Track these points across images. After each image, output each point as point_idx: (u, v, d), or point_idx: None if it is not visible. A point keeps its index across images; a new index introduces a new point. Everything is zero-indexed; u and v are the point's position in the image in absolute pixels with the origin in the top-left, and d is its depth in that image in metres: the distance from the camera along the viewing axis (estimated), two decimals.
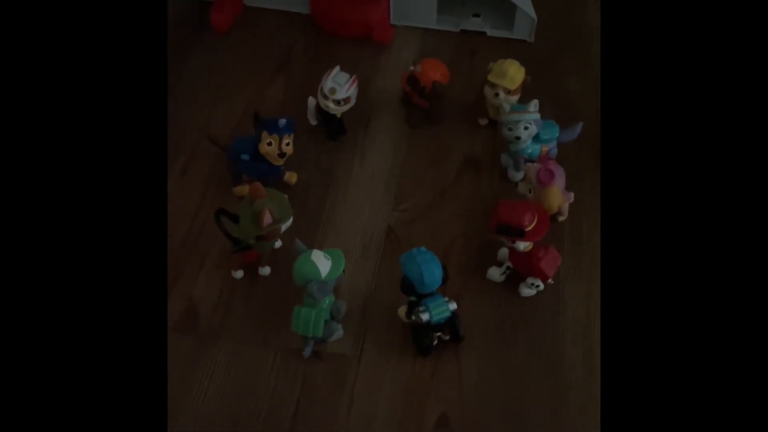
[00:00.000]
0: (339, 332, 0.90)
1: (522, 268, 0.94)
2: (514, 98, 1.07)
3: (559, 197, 0.96)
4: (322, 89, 1.07)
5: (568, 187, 0.99)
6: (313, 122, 1.12)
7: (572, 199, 1.01)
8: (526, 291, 0.95)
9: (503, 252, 0.97)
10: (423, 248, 0.87)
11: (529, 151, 1.04)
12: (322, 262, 0.85)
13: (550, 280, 0.94)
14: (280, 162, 1.00)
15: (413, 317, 0.87)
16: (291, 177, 1.06)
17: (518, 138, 1.01)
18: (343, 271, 0.87)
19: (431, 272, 0.85)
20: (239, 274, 0.96)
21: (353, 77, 1.07)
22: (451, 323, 0.88)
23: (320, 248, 0.88)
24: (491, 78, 1.07)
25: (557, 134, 1.04)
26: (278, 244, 0.98)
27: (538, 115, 1.02)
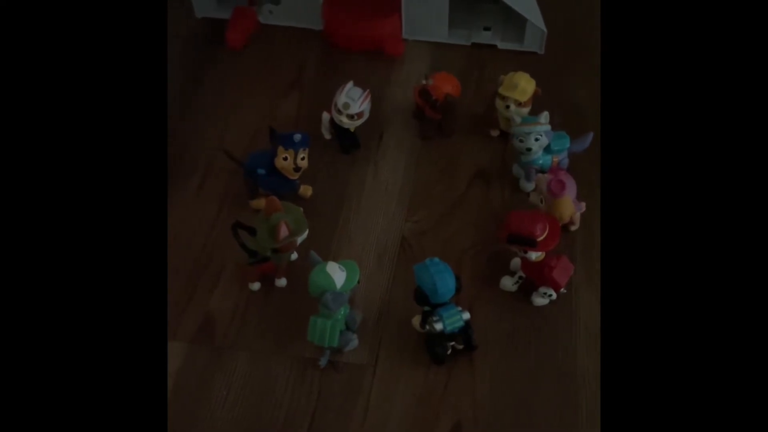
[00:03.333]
0: (354, 342, 0.92)
1: (534, 277, 0.95)
2: (525, 110, 1.09)
3: (570, 207, 0.97)
4: (335, 104, 1.09)
5: (580, 197, 1.00)
6: (328, 136, 1.14)
7: (584, 209, 1.02)
8: (539, 300, 0.95)
9: (516, 261, 0.98)
10: (436, 259, 0.88)
11: (540, 161, 1.05)
12: (336, 274, 0.86)
13: (562, 290, 0.94)
14: (295, 176, 1.02)
15: (427, 327, 0.88)
16: (306, 190, 1.07)
17: (529, 149, 1.02)
18: (358, 282, 0.89)
19: (444, 282, 0.86)
20: (256, 286, 0.98)
21: (366, 92, 1.09)
22: (464, 332, 0.89)
23: (335, 260, 0.89)
24: (502, 90, 1.08)
25: (568, 145, 1.06)
26: (294, 256, 1.00)
27: (548, 127, 1.03)
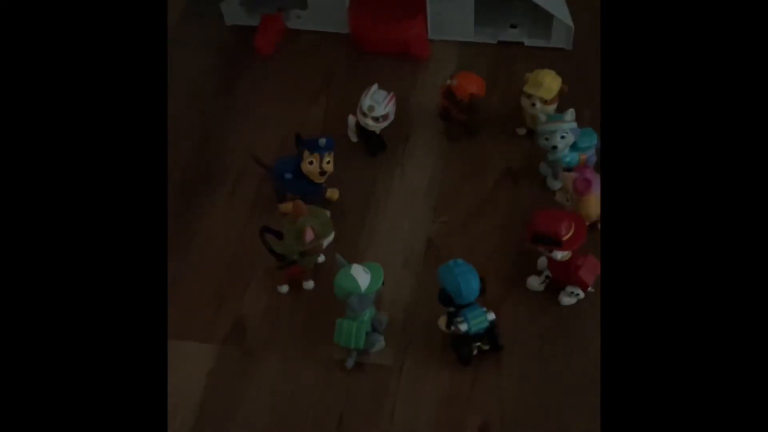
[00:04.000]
0: (381, 343, 0.93)
1: (561, 276, 0.94)
2: (551, 108, 1.08)
3: (596, 205, 0.96)
4: (360, 107, 1.10)
5: None
6: (354, 139, 1.16)
7: None
8: (566, 300, 0.95)
9: (542, 261, 0.97)
10: (460, 260, 0.89)
11: (568, 159, 1.04)
12: (361, 276, 0.88)
13: (590, 289, 0.93)
14: (321, 180, 1.04)
15: (452, 328, 0.89)
16: (332, 194, 1.09)
17: (555, 147, 1.01)
18: (383, 283, 0.90)
19: (468, 283, 0.87)
20: (284, 288, 1.00)
21: (391, 94, 1.10)
22: (490, 333, 0.89)
23: (362, 262, 0.91)
24: (527, 88, 1.08)
25: (596, 142, 1.04)
26: (321, 258, 1.01)
27: (574, 124, 1.02)
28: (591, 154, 1.05)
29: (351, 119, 1.14)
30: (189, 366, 0.93)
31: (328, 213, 0.97)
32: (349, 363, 0.91)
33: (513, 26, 1.29)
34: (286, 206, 1.07)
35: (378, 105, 1.08)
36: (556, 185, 1.06)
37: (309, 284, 1.00)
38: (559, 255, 0.91)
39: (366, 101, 1.09)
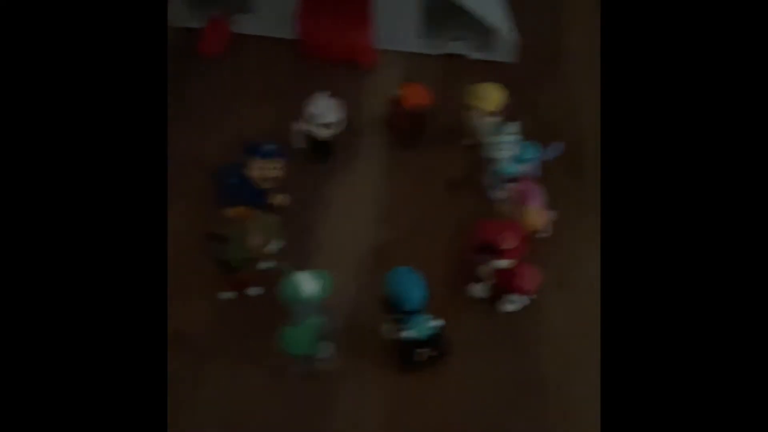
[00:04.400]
0: (327, 351, 0.93)
1: (504, 285, 0.96)
2: (495, 120, 1.10)
3: (538, 216, 0.99)
4: (308, 114, 1.10)
5: (549, 205, 1.03)
6: (300, 146, 1.15)
7: (553, 217, 1.04)
8: (509, 307, 0.97)
9: (485, 269, 0.99)
10: (406, 267, 0.90)
11: (510, 171, 1.07)
12: (307, 283, 0.87)
13: (531, 297, 0.96)
14: (267, 186, 1.03)
15: (398, 334, 0.90)
16: (279, 200, 1.08)
17: (498, 159, 1.04)
18: (330, 291, 0.90)
19: (414, 290, 0.88)
20: (229, 295, 0.99)
21: (338, 102, 1.10)
22: (434, 340, 0.90)
23: (308, 269, 0.90)
24: (471, 100, 1.10)
25: (537, 154, 1.08)
26: (267, 265, 1.00)
27: (517, 136, 1.05)
28: (533, 166, 1.08)
29: (298, 125, 1.13)
30: None
31: (274, 219, 0.96)
32: (296, 370, 0.91)
33: (458, 38, 1.32)
34: (232, 212, 1.05)
35: (325, 112, 1.09)
36: (498, 196, 1.08)
37: (254, 291, 0.99)
38: (502, 264, 0.94)
39: (313, 108, 1.09)
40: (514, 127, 1.05)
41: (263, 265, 0.99)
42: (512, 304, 0.97)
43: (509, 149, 1.04)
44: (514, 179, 1.06)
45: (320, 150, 1.14)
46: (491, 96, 1.09)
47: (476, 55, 1.31)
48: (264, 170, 1.01)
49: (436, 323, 0.90)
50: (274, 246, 0.94)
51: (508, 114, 1.11)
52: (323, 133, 1.11)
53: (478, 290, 0.99)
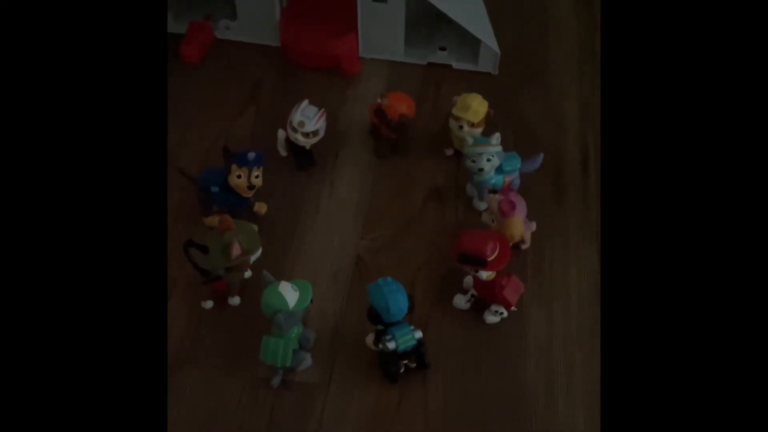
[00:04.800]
0: (308, 361, 0.92)
1: (486, 295, 0.96)
2: (478, 131, 1.11)
3: (520, 227, 0.99)
4: (291, 122, 1.09)
5: (530, 217, 1.03)
6: (283, 154, 1.14)
7: (534, 228, 1.05)
8: (491, 318, 0.97)
9: (468, 280, 0.99)
10: (389, 278, 0.89)
11: (493, 181, 1.07)
12: (289, 293, 0.87)
13: (513, 308, 0.96)
14: (249, 194, 1.02)
15: (380, 346, 0.89)
16: (260, 208, 1.07)
17: (481, 170, 1.04)
18: (311, 301, 0.89)
19: (397, 302, 0.87)
20: (209, 304, 0.97)
21: (322, 110, 1.09)
22: (417, 351, 0.90)
23: (290, 278, 0.90)
24: (455, 111, 1.10)
25: (519, 165, 1.08)
26: (248, 274, 0.99)
27: (500, 148, 1.05)
28: (514, 177, 1.09)
29: (281, 133, 1.12)
30: None
31: (255, 227, 0.95)
32: (275, 381, 0.90)
33: (442, 49, 1.33)
34: (212, 220, 1.04)
35: (308, 120, 1.08)
36: (481, 206, 1.09)
37: (235, 300, 0.98)
38: (485, 275, 0.94)
39: (296, 116, 1.08)
40: (496, 138, 1.05)
41: (244, 274, 0.98)
42: (494, 315, 0.97)
43: (492, 160, 1.04)
44: (496, 190, 1.06)
45: (303, 158, 1.13)
46: (476, 107, 1.09)
47: (459, 65, 1.32)
48: (247, 178, 1.00)
49: (417, 335, 0.89)
50: (254, 255, 0.93)
51: (491, 125, 1.11)
52: (307, 142, 1.10)
53: (462, 301, 0.98)
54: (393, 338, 0.88)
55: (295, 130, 1.09)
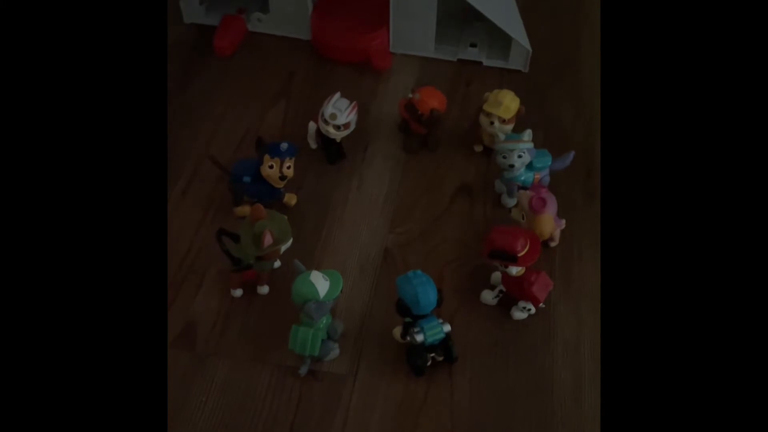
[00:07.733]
0: (335, 352, 0.92)
1: (514, 292, 0.96)
2: (509, 127, 1.10)
3: (550, 224, 0.99)
4: (322, 114, 1.10)
5: (560, 214, 1.02)
6: (314, 146, 1.15)
7: (564, 226, 1.04)
8: (518, 314, 0.97)
9: (496, 276, 0.99)
10: (419, 271, 0.89)
11: (523, 178, 1.07)
12: (320, 283, 0.87)
13: (541, 305, 0.96)
14: (280, 184, 1.03)
15: (408, 338, 0.89)
16: (291, 199, 1.08)
17: (512, 166, 1.04)
18: (341, 291, 0.90)
19: (426, 294, 0.87)
20: (238, 292, 0.98)
21: (353, 103, 1.10)
22: (444, 345, 0.90)
23: (318, 269, 0.90)
24: (487, 107, 1.10)
25: (550, 163, 1.08)
26: (277, 264, 1.00)
27: (531, 144, 1.05)
28: (544, 174, 1.08)
29: (312, 126, 1.13)
30: None
31: (286, 218, 0.96)
32: (303, 370, 0.91)
33: (473, 45, 1.33)
34: (243, 210, 1.05)
35: (340, 113, 1.09)
36: (510, 203, 1.08)
37: (264, 289, 0.99)
38: (514, 270, 0.93)
39: (328, 109, 1.09)
40: (528, 135, 1.05)
41: (274, 263, 0.99)
42: (521, 312, 0.96)
43: (523, 157, 1.04)
44: (525, 187, 1.06)
45: (333, 151, 1.14)
46: (507, 103, 1.09)
47: (489, 62, 1.32)
48: (279, 169, 1.01)
49: (445, 328, 0.90)
50: (285, 245, 0.94)
51: (521, 122, 1.11)
52: (338, 134, 1.11)
53: (489, 297, 0.98)
54: (421, 331, 0.88)
55: (326, 122, 1.09)
